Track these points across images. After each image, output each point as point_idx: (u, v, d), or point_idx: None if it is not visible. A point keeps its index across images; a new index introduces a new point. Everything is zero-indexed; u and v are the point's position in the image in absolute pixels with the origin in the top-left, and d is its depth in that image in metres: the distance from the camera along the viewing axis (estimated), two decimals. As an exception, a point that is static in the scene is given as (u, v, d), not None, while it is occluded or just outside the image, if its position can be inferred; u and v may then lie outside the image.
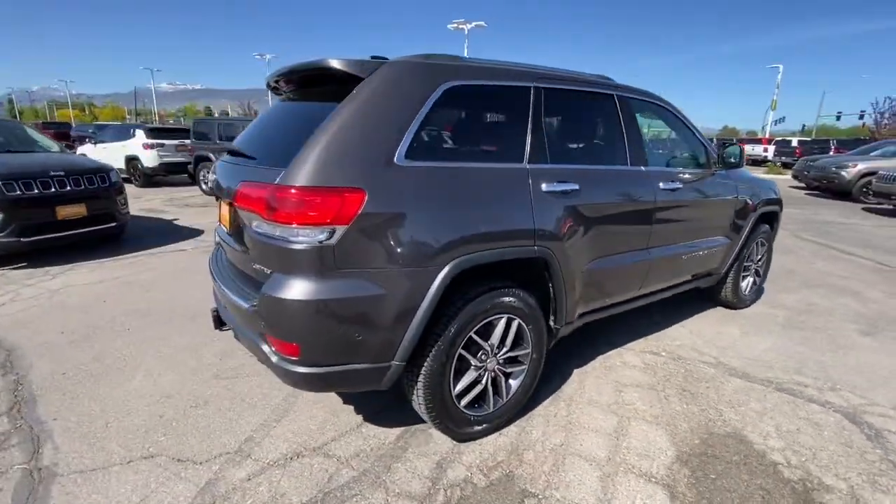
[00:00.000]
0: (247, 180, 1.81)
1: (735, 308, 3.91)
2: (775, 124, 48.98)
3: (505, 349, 2.19)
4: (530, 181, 2.09)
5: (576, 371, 2.85)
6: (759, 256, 3.99)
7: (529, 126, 2.16)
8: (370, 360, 1.80)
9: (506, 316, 2.12)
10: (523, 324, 2.19)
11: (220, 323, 2.32)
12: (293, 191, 1.61)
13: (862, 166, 11.07)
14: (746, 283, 3.92)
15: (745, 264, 3.81)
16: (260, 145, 2.07)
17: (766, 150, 28.25)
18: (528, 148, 2.14)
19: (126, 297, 3.97)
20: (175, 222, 7.14)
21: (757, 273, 4.02)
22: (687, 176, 2.98)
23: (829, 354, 3.16)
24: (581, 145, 2.65)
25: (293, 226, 1.63)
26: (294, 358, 1.76)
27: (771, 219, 3.96)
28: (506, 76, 2.12)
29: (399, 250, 1.74)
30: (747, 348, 3.22)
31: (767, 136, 35.11)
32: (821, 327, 3.61)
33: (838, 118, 40.90)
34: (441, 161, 1.91)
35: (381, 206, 1.68)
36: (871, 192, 10.04)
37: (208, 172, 8.68)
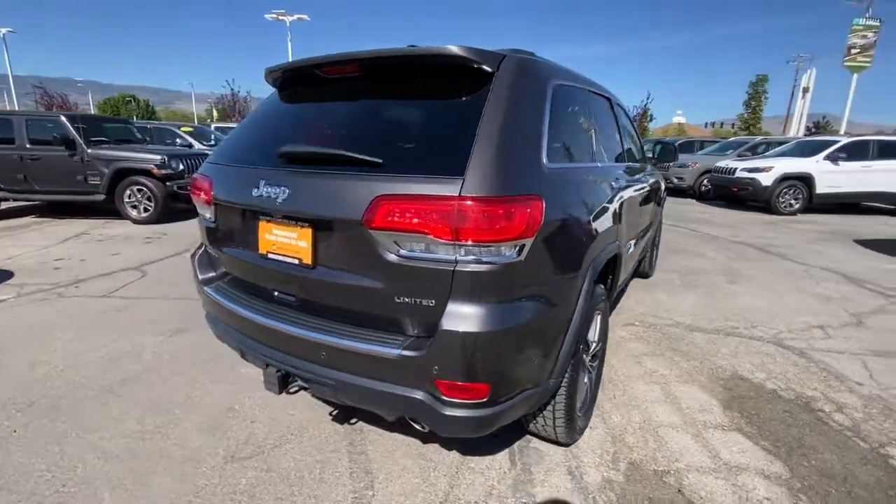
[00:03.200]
0: (394, 193, 1.39)
1: (647, 277, 4.75)
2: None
3: (597, 344, 2.24)
4: (611, 180, 2.18)
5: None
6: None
7: (595, 126, 2.24)
8: (534, 383, 1.63)
9: (599, 312, 2.17)
10: (602, 317, 2.28)
11: (284, 384, 1.73)
12: (486, 203, 1.33)
13: (700, 165, 12.37)
14: (654, 255, 4.82)
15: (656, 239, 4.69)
16: (354, 149, 1.59)
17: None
18: (596, 147, 2.22)
19: (-44, 388, 2.57)
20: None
21: (655, 245, 4.97)
22: (647, 169, 3.52)
23: (727, 302, 4.15)
24: (605, 144, 2.86)
25: (486, 243, 1.35)
26: (480, 400, 1.46)
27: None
28: (580, 79, 2.16)
29: (561, 258, 1.63)
30: (681, 308, 3.98)
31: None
32: (706, 283, 4.70)
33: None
34: (565, 163, 1.84)
35: (552, 214, 1.53)
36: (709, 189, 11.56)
37: None
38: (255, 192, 1.65)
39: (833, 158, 9.54)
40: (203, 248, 2.14)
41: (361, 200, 1.43)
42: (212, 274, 2.11)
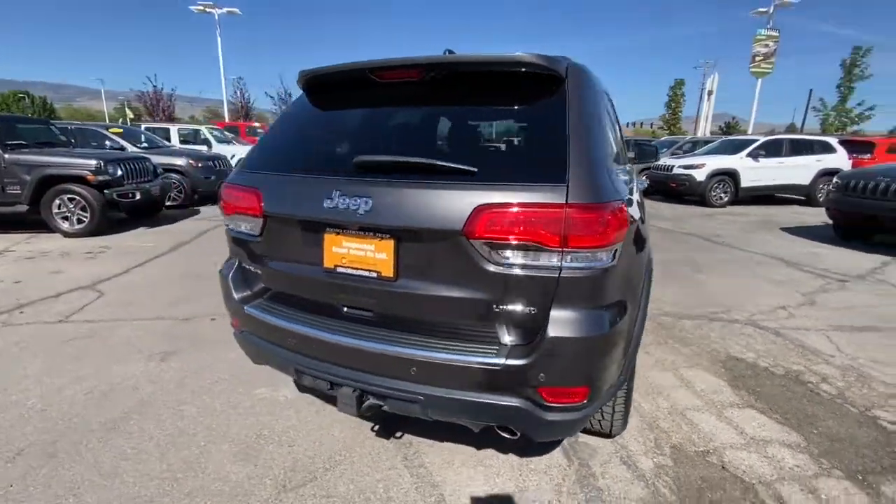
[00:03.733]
0: (497, 202, 1.36)
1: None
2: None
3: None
4: (635, 180, 2.30)
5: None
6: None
7: (617, 128, 2.34)
8: (614, 381, 1.68)
9: (644, 305, 2.28)
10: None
11: (360, 403, 1.63)
12: (591, 210, 1.35)
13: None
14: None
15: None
16: (441, 157, 1.54)
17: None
18: (620, 149, 2.32)
19: None
20: None
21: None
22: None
23: (700, 290, 4.53)
24: (620, 146, 2.99)
25: (590, 249, 1.38)
26: (580, 403, 1.49)
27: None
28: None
29: (636, 260, 1.70)
30: (664, 298, 4.27)
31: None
32: (676, 274, 5.08)
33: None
34: (619, 166, 1.90)
35: (630, 216, 1.59)
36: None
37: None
38: (327, 204, 1.54)
39: (754, 155, 10.67)
40: (236, 263, 1.97)
41: (460, 210, 1.39)
42: (248, 292, 1.94)
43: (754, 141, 11.08)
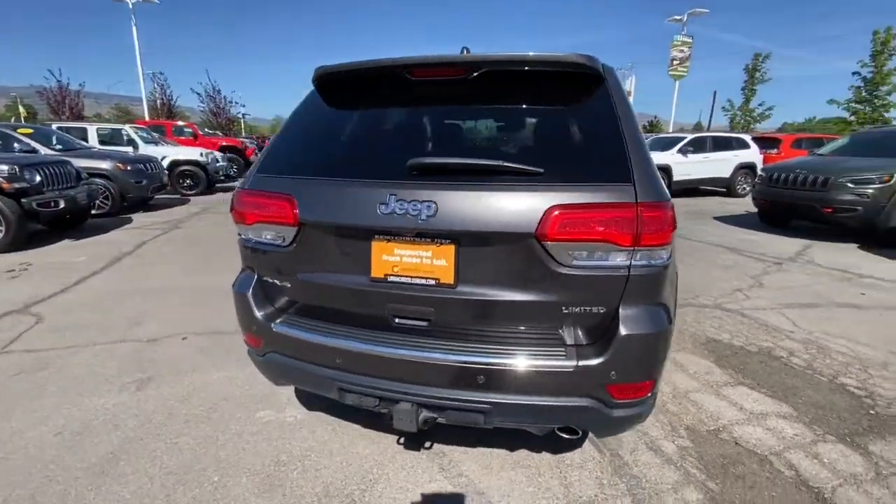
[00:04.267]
0: (570, 203, 1.34)
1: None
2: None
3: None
4: None
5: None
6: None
7: None
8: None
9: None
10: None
11: (418, 419, 1.55)
12: (658, 209, 1.38)
13: None
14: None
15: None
16: (503, 157, 1.48)
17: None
18: None
19: None
20: None
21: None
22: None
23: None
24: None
25: (655, 247, 1.41)
26: (645, 397, 1.52)
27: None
28: None
29: (673, 256, 1.77)
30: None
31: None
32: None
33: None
34: None
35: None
36: None
37: None
38: (383, 210, 1.44)
39: (683, 151, 11.61)
40: (255, 277, 1.78)
41: (532, 212, 1.36)
42: (271, 308, 1.78)
43: (683, 138, 12.06)
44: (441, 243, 1.46)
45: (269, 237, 1.68)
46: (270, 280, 1.74)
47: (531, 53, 1.55)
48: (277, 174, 1.68)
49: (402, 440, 2.18)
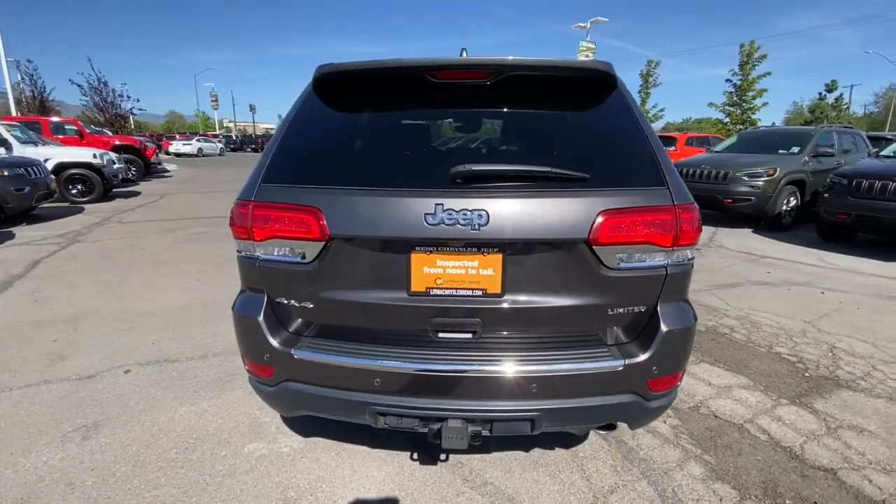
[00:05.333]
0: (617, 208, 1.37)
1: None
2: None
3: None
4: None
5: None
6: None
7: None
8: None
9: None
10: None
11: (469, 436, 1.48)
12: (690, 210, 1.47)
13: None
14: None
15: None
16: (548, 163, 1.45)
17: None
18: None
19: None
20: None
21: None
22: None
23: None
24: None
25: (688, 247, 1.49)
26: (675, 386, 1.61)
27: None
28: None
29: None
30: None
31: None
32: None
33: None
34: None
35: None
36: None
37: None
38: (430, 221, 1.35)
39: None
40: (264, 299, 1.58)
41: (584, 217, 1.37)
42: (286, 332, 1.60)
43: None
44: (488, 252, 1.42)
45: (285, 254, 1.50)
46: (286, 301, 1.56)
47: (556, 59, 1.56)
48: (290, 184, 1.51)
49: (415, 456, 2.10)
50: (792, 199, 7.43)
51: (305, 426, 2.28)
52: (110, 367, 2.88)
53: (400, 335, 1.55)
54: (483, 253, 1.42)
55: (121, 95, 27.66)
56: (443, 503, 1.84)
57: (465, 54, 2.00)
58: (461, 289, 1.45)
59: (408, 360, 1.48)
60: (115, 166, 10.75)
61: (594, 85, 1.64)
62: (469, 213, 1.36)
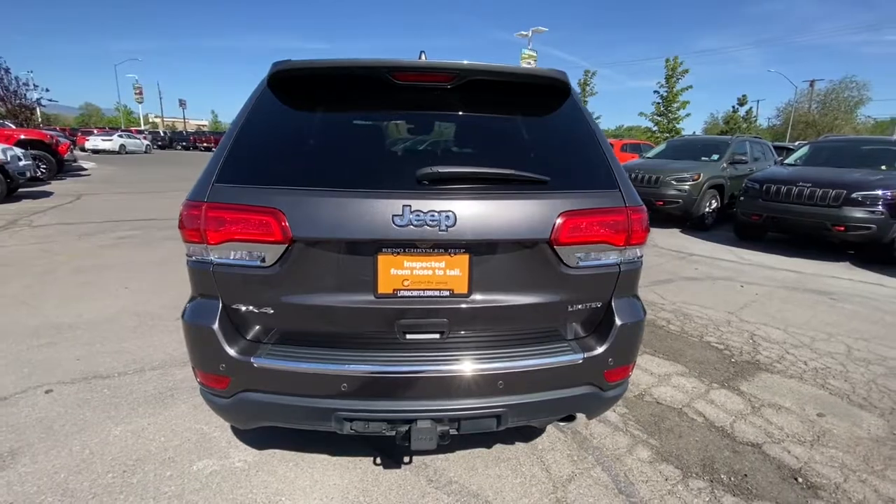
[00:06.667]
0: (575, 209, 1.43)
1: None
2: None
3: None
4: None
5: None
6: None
7: None
8: None
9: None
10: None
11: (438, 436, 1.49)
12: (641, 211, 1.58)
13: None
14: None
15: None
16: (509, 166, 1.48)
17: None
18: None
19: None
20: None
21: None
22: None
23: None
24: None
25: (637, 246, 1.60)
26: (627, 376, 1.71)
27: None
28: None
29: None
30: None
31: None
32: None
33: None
34: None
35: None
36: None
37: None
38: (398, 222, 1.34)
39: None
40: (219, 306, 1.49)
41: (546, 218, 1.43)
42: (243, 341, 1.52)
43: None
44: (455, 253, 1.44)
45: (243, 257, 1.43)
46: (244, 307, 1.48)
47: (515, 66, 1.62)
48: (247, 184, 1.44)
49: (378, 460, 2.07)
50: (713, 201, 8.17)
51: (259, 438, 2.17)
52: (27, 387, 2.58)
53: (366, 338, 1.53)
54: (450, 254, 1.44)
55: (26, 84, 24.78)
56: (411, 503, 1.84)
57: (423, 57, 2.01)
58: (428, 289, 1.46)
59: (375, 363, 1.46)
60: (22, 163, 9.60)
61: (549, 91, 1.72)
62: (437, 214, 1.38)
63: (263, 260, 1.42)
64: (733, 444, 2.28)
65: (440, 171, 1.40)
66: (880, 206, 5.61)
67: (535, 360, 1.51)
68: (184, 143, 42.05)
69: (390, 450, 2.11)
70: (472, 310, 1.50)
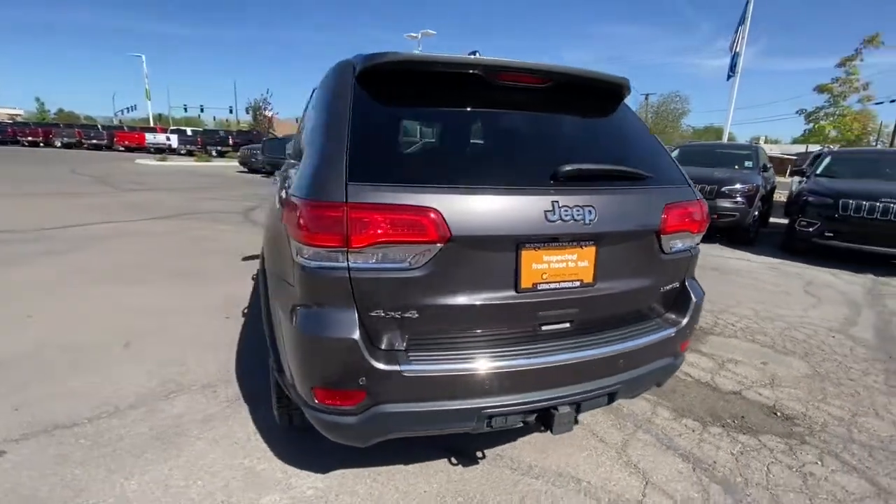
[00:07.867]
0: (676, 201, 1.64)
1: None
2: (128, 111, 53.03)
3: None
4: None
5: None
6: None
7: None
8: None
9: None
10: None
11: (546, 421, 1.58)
12: (705, 205, 1.84)
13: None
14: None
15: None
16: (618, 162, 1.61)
17: (168, 138, 29.98)
18: None
19: None
20: None
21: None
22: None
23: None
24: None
25: (698, 234, 1.87)
26: (688, 346, 1.98)
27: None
28: None
29: None
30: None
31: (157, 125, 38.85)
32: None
33: (202, 110, 50.58)
34: None
35: None
36: None
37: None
38: (550, 217, 1.39)
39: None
40: (352, 315, 1.35)
41: (656, 210, 1.61)
42: (379, 352, 1.41)
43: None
44: (585, 245, 1.54)
45: (391, 260, 1.33)
46: (384, 314, 1.38)
47: (595, 71, 1.77)
48: (389, 183, 1.34)
49: (453, 459, 2.07)
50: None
51: (312, 462, 1.99)
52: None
53: (503, 333, 1.55)
54: (581, 246, 1.54)
55: None
56: (509, 495, 1.88)
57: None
58: (563, 281, 1.54)
59: (517, 357, 1.49)
60: None
61: (611, 96, 1.91)
62: (581, 209, 1.47)
63: (412, 262, 1.35)
64: (721, 394, 2.76)
65: (581, 167, 1.50)
66: (739, 198, 7.08)
67: (645, 337, 1.70)
68: (-2, 137, 33.29)
69: (460, 447, 2.12)
70: (596, 297, 1.61)
